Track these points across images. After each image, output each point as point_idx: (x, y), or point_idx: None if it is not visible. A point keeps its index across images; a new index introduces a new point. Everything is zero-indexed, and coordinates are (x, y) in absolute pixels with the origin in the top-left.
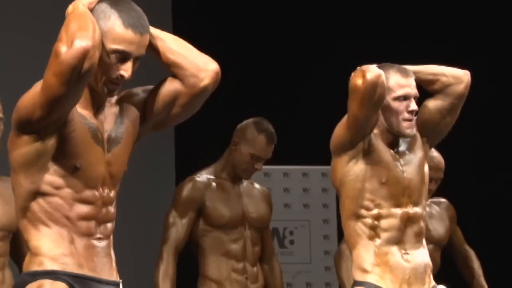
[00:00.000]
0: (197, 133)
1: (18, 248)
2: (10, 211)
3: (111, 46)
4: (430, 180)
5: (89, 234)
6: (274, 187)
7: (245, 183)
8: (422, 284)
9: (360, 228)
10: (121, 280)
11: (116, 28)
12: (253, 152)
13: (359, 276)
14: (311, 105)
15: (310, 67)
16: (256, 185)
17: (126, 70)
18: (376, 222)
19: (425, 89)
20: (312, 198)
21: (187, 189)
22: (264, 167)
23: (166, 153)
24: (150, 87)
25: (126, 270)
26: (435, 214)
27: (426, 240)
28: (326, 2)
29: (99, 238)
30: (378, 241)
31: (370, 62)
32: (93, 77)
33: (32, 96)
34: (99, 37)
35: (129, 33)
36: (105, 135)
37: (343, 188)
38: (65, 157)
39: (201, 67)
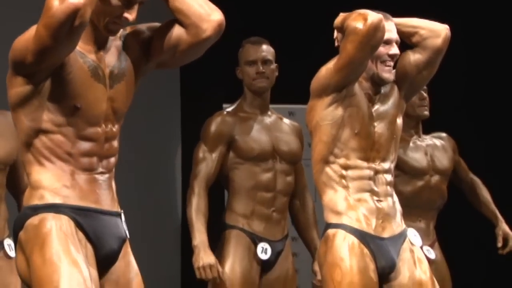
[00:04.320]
0: (203, 76)
1: (16, 181)
2: (6, 145)
3: None
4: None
5: (91, 169)
6: None
7: (273, 117)
8: (395, 226)
9: (329, 173)
10: (122, 211)
11: None
12: (247, 59)
13: (333, 219)
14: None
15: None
16: (286, 120)
17: (131, 13)
18: (343, 172)
19: (405, 41)
20: None
21: (215, 124)
22: None
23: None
24: (156, 24)
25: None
26: (439, 145)
27: (433, 171)
28: None
29: (101, 172)
30: (349, 189)
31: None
32: (96, 16)
33: (26, 39)
34: None
35: None
36: (107, 71)
37: (318, 131)
38: (64, 98)
39: (205, 17)
